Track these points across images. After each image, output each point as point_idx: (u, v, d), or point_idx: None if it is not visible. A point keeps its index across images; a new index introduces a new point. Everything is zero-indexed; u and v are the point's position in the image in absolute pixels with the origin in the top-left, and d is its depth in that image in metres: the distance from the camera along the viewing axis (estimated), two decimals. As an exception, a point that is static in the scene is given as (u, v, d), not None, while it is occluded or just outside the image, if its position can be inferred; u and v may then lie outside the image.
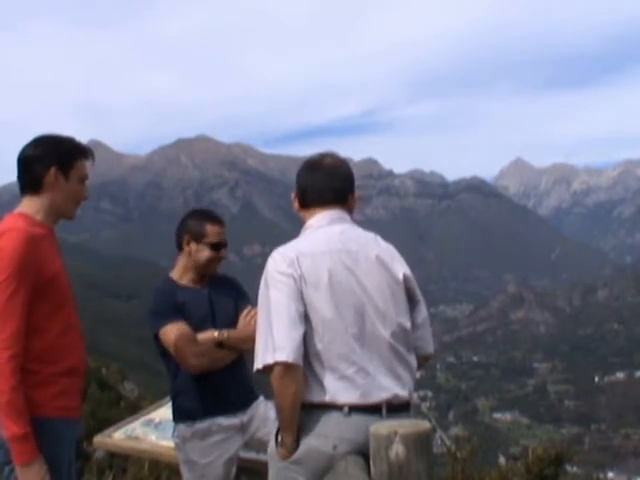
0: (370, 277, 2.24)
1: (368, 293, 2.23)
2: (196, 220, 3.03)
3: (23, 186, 2.52)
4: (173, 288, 3.00)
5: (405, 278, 2.34)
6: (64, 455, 2.46)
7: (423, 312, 2.42)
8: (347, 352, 2.16)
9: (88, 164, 2.58)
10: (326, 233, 2.28)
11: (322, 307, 2.16)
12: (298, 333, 2.09)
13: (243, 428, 2.99)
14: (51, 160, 2.48)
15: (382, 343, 2.22)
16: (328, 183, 2.36)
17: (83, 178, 2.57)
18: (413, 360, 2.32)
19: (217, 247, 3.00)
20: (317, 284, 2.17)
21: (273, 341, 2.08)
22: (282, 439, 2.18)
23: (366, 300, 2.22)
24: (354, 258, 2.24)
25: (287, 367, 2.06)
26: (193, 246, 3.00)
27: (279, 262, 2.20)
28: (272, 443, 2.26)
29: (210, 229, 3.00)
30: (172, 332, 2.85)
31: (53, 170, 2.47)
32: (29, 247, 2.33)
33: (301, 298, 2.15)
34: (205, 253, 2.98)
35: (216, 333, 2.89)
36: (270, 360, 2.07)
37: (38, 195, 2.49)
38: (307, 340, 2.16)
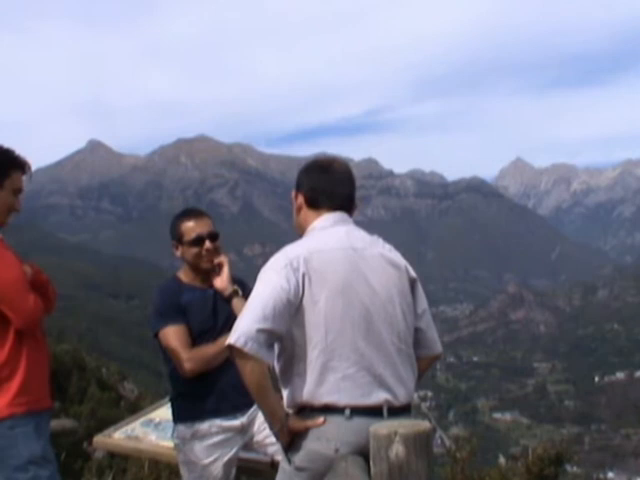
0: (376, 275, 2.24)
1: (375, 291, 2.22)
2: (174, 224, 3.04)
3: None
4: (178, 288, 2.99)
5: (412, 279, 2.35)
6: None
7: (428, 313, 2.42)
8: (351, 351, 2.15)
9: (25, 178, 2.60)
10: (332, 233, 2.30)
11: (327, 305, 2.15)
12: (263, 326, 2.06)
13: (243, 430, 2.98)
14: None
15: (387, 343, 2.20)
16: (339, 188, 2.39)
17: (17, 190, 2.59)
18: (415, 362, 2.31)
19: (198, 242, 2.97)
20: (324, 281, 2.16)
21: (236, 325, 2.09)
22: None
23: (373, 299, 2.20)
24: (360, 255, 2.25)
25: (237, 351, 2.06)
26: (180, 249, 3.01)
27: (280, 260, 2.20)
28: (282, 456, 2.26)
29: (185, 227, 2.99)
30: (170, 335, 2.86)
31: None
32: None
33: (291, 297, 2.13)
34: (190, 252, 2.97)
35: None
36: (228, 341, 2.09)
37: None
38: (310, 339, 2.15)
